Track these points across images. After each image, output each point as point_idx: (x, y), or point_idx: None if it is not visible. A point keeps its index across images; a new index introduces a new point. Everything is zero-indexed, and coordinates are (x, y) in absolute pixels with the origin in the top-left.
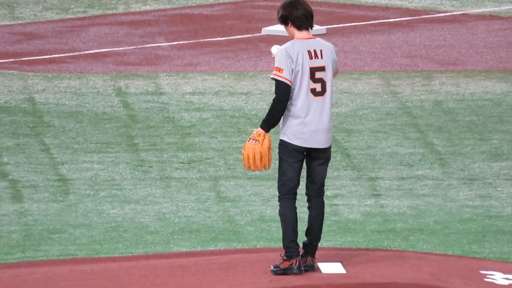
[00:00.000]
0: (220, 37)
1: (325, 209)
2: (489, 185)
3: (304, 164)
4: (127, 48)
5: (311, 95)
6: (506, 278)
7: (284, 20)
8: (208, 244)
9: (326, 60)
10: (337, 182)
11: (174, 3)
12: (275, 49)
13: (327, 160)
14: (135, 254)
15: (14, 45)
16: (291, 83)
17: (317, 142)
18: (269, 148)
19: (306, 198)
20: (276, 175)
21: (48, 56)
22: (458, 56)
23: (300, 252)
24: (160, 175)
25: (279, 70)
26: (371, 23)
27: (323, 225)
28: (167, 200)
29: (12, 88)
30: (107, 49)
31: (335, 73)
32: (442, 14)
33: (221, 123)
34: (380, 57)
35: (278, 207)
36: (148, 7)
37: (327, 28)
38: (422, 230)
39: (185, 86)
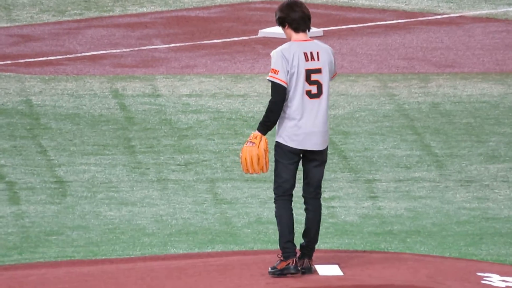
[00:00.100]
0: (217, 39)
1: (322, 211)
2: (486, 187)
3: (301, 166)
4: (124, 50)
5: (306, 97)
6: (503, 280)
7: (281, 22)
8: (205, 246)
9: (323, 62)
10: (334, 184)
11: (170, 5)
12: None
13: (323, 162)
14: (132, 256)
15: (11, 47)
16: (287, 84)
17: (312, 144)
18: (266, 150)
19: (303, 200)
20: (273, 178)
21: (45, 58)
22: (455, 58)
23: (297, 253)
24: (157, 177)
25: (275, 71)
26: (368, 25)
27: (320, 227)
28: (164, 202)
29: (9, 90)
30: (104, 51)
31: (333, 76)
32: (439, 16)
33: (218, 125)
34: (377, 59)
35: (274, 209)
36: (144, 9)
37: (324, 30)
38: (419, 232)
39: (182, 88)
